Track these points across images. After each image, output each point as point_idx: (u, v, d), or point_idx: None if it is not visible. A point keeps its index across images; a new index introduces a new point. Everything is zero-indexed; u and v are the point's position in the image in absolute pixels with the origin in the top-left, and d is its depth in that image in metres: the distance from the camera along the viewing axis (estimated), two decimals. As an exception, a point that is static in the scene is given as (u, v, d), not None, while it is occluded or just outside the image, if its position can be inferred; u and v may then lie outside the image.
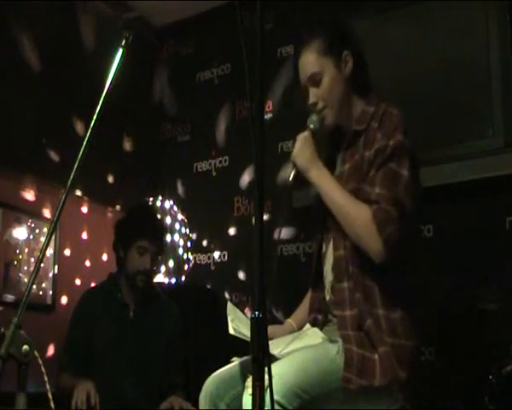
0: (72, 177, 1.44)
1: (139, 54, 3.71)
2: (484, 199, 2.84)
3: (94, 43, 3.60)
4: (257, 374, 1.13)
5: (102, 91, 1.49)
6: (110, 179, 3.73)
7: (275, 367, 1.53)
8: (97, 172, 3.53)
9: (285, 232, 3.40)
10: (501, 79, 2.77)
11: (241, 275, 3.61)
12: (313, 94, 1.98)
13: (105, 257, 3.59)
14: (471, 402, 2.43)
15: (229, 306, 1.93)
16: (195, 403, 1.92)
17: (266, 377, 1.16)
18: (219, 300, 3.41)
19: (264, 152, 1.21)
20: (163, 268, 3.39)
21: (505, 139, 2.73)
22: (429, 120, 2.87)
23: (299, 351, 1.79)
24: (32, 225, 3.22)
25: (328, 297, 1.96)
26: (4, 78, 3.11)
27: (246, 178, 3.69)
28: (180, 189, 3.97)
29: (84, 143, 1.45)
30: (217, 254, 3.76)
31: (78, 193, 3.49)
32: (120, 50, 1.54)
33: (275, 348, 1.79)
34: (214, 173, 3.85)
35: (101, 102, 1.48)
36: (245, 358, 1.88)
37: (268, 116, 3.60)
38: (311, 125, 1.97)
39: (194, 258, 3.75)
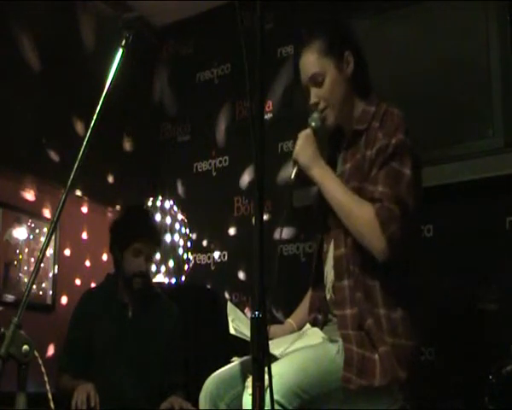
0: (72, 177, 1.44)
1: (139, 54, 3.71)
2: (484, 199, 2.84)
3: (94, 43, 3.61)
4: (257, 374, 1.13)
5: (102, 91, 1.49)
6: (110, 179, 3.73)
7: (275, 367, 1.52)
8: (97, 172, 3.53)
9: (285, 232, 3.40)
10: (501, 79, 2.77)
11: (241, 275, 3.61)
12: (314, 94, 1.98)
13: (105, 257, 3.59)
14: (471, 402, 2.43)
15: (230, 306, 1.93)
16: (195, 403, 1.92)
17: (266, 377, 1.16)
18: (219, 300, 3.41)
19: (264, 152, 1.21)
20: (163, 268, 3.39)
21: (505, 139, 2.73)
22: (429, 120, 2.87)
23: (299, 351, 1.79)
24: (32, 225, 3.22)
25: (328, 297, 1.96)
26: (4, 78, 3.11)
27: (246, 178, 3.69)
28: (180, 189, 3.97)
29: (84, 143, 1.45)
30: (217, 254, 3.76)
31: (78, 193, 3.49)
32: (120, 50, 1.54)
33: (275, 348, 1.79)
34: (214, 173, 3.85)
35: (101, 102, 1.48)
36: (245, 358, 1.88)
37: (268, 116, 3.60)
38: (313, 123, 1.97)
39: (194, 258, 3.75)
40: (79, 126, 3.45)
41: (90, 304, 2.82)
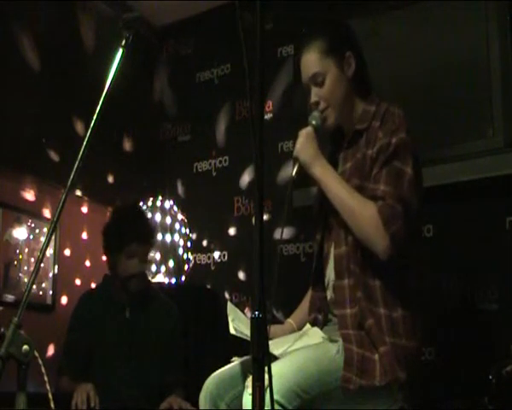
0: (72, 177, 1.44)
1: (139, 54, 3.72)
2: (484, 199, 2.83)
3: (94, 43, 3.61)
4: (257, 374, 1.13)
5: (102, 91, 1.49)
6: (110, 179, 3.73)
7: (275, 367, 1.52)
8: (97, 172, 3.53)
9: (285, 232, 3.39)
10: (501, 79, 2.77)
11: (241, 275, 3.61)
12: (315, 93, 1.98)
13: (105, 257, 3.58)
14: (471, 402, 2.43)
15: (230, 306, 1.93)
16: (195, 403, 1.92)
17: (266, 377, 1.16)
18: (219, 300, 3.41)
19: (264, 152, 1.21)
20: (163, 268, 3.39)
21: (505, 139, 2.73)
22: (429, 120, 2.86)
23: (299, 351, 1.79)
24: (32, 225, 3.22)
25: (329, 297, 1.96)
26: (4, 78, 3.10)
27: (246, 178, 3.69)
28: (180, 189, 3.97)
29: (84, 143, 1.45)
30: (217, 254, 3.76)
31: (78, 193, 3.49)
32: (120, 50, 1.54)
33: (275, 348, 1.79)
34: (214, 173, 3.85)
35: (101, 102, 1.48)
36: (245, 358, 1.88)
37: (268, 116, 3.60)
38: (313, 122, 1.96)
39: (194, 258, 3.75)
40: (79, 126, 3.45)
41: (88, 306, 2.82)
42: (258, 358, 1.14)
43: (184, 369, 2.85)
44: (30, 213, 3.22)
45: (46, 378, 1.35)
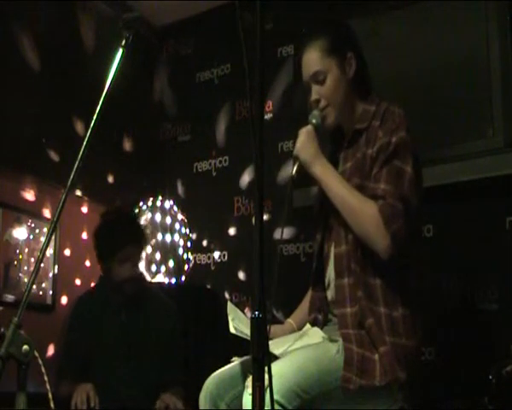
0: (72, 177, 1.44)
1: (139, 54, 3.72)
2: (484, 199, 2.83)
3: (94, 43, 3.61)
4: (257, 374, 1.13)
5: (102, 91, 1.49)
6: (110, 179, 3.73)
7: (275, 367, 1.52)
8: (97, 172, 3.53)
9: (285, 232, 3.39)
10: (501, 79, 2.77)
11: (241, 275, 3.61)
12: (316, 91, 1.98)
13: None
14: (471, 402, 2.43)
15: (230, 305, 1.93)
16: (195, 403, 1.92)
17: (266, 376, 1.16)
18: (219, 300, 3.41)
19: (264, 152, 1.21)
20: (163, 268, 3.39)
21: (505, 139, 2.73)
22: (429, 120, 2.87)
23: (299, 350, 1.79)
24: (32, 225, 3.22)
25: (329, 297, 1.96)
26: (4, 78, 3.10)
27: (246, 178, 3.69)
28: (180, 189, 3.97)
29: (84, 143, 1.45)
30: (217, 254, 3.76)
31: (78, 193, 3.49)
32: (120, 50, 1.54)
33: (275, 347, 1.79)
34: (214, 173, 3.85)
35: (101, 102, 1.48)
36: (245, 358, 1.88)
37: (268, 116, 3.60)
38: (314, 121, 1.97)
39: (194, 258, 3.75)
40: (79, 126, 3.45)
41: (87, 306, 2.81)
42: (258, 358, 1.14)
43: (184, 369, 2.84)
44: (30, 213, 3.22)
45: (46, 378, 1.35)
